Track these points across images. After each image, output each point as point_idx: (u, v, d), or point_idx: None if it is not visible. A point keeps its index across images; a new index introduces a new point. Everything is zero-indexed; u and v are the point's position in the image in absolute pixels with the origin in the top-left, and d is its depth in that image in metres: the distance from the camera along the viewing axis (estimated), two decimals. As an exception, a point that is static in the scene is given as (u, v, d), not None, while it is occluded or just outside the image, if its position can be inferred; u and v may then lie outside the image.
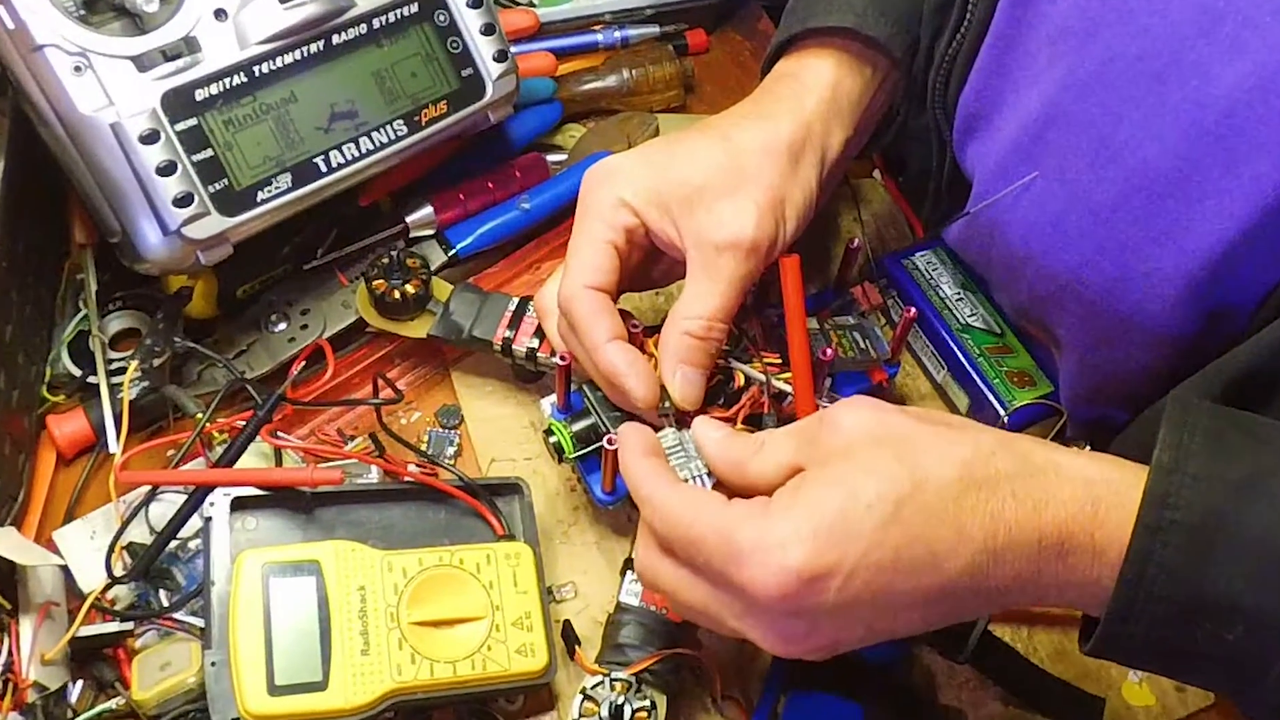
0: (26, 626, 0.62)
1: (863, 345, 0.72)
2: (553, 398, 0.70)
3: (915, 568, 0.48)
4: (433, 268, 0.78)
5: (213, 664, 0.60)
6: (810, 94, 0.68)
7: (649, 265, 0.68)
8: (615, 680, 0.63)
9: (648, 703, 0.63)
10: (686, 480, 0.56)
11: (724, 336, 0.63)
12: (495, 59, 0.78)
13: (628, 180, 0.64)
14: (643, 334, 0.66)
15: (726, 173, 0.63)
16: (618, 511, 0.73)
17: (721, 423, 0.58)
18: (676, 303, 0.63)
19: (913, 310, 0.71)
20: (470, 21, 0.77)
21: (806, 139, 0.66)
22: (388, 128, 0.74)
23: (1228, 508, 0.47)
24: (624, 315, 0.65)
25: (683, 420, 0.62)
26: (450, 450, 0.77)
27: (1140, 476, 0.48)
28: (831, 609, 0.48)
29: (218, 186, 0.68)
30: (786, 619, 0.49)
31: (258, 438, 0.68)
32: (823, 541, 0.47)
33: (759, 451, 0.53)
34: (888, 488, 0.48)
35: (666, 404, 0.62)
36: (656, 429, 0.61)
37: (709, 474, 0.57)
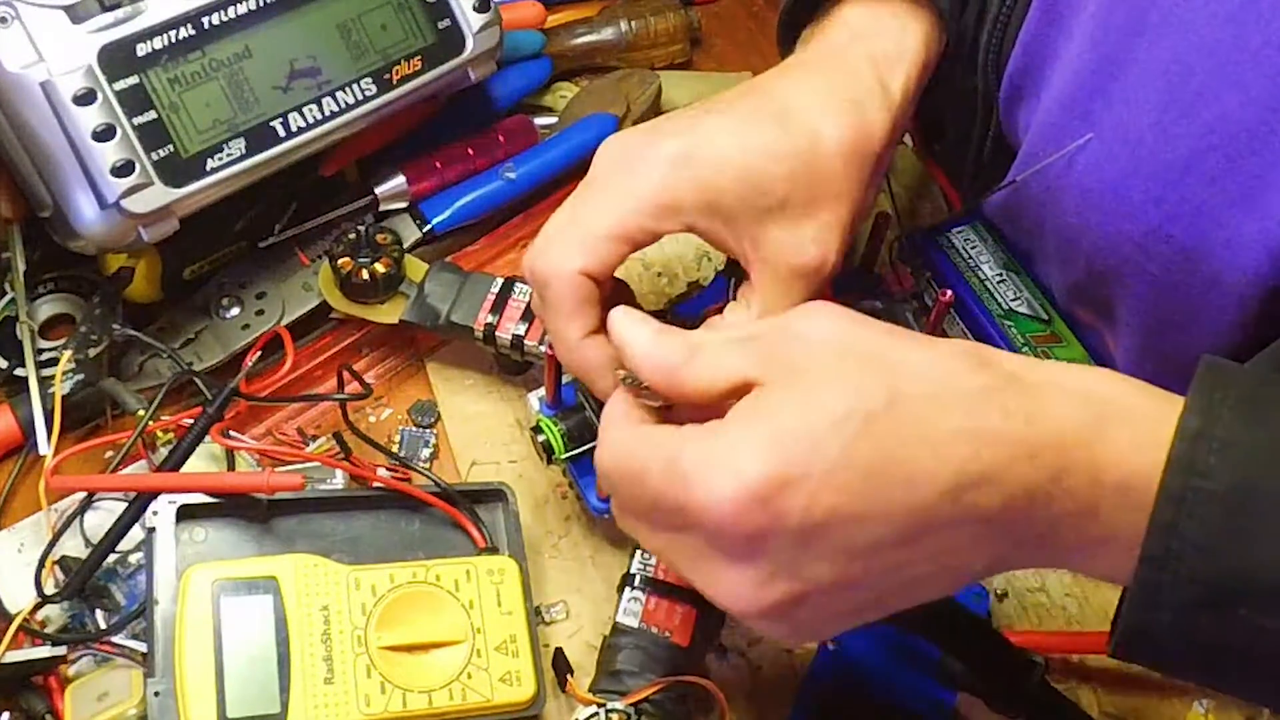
0: (-57, 653, 0.62)
1: (892, 333, 0.72)
2: (541, 392, 0.70)
3: (887, 492, 0.47)
4: (405, 245, 0.78)
5: (156, 693, 0.60)
6: (897, 71, 0.66)
7: None
8: (612, 711, 0.62)
9: (648, 736, 0.63)
10: None
11: None
12: (476, 9, 0.78)
13: (686, 174, 0.61)
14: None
15: (811, 184, 0.62)
16: (615, 521, 0.72)
17: (649, 316, 0.54)
18: (730, 309, 0.63)
19: (949, 293, 0.70)
20: (448, -34, 0.77)
21: (891, 136, 0.65)
22: (354, 87, 0.74)
23: (1262, 475, 0.46)
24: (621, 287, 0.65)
25: None
26: (425, 452, 0.77)
27: (1159, 402, 0.48)
28: (795, 537, 0.47)
29: (162, 153, 0.68)
30: (743, 551, 0.48)
31: (207, 438, 0.67)
32: (782, 451, 0.46)
33: (695, 355, 0.51)
34: (857, 403, 0.47)
35: None
36: None
37: None
